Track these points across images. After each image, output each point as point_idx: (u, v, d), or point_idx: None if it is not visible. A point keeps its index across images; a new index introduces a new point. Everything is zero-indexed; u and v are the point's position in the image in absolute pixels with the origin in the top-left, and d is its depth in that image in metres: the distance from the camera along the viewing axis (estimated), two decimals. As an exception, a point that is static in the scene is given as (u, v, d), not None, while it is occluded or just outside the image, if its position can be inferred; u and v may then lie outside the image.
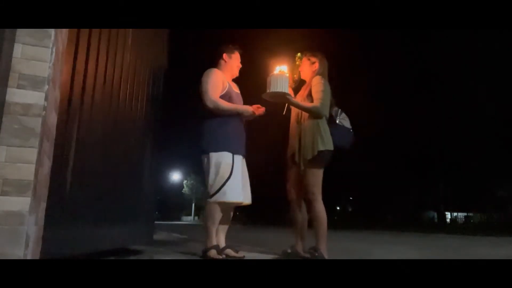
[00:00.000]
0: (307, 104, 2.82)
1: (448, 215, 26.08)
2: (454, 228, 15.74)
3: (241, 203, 2.71)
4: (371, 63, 24.92)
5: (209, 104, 2.69)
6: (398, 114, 23.69)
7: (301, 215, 2.91)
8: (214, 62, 2.97)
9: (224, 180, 2.58)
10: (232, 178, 2.61)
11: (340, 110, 2.97)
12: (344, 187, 27.54)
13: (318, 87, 2.81)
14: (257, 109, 2.86)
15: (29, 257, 1.36)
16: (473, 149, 20.18)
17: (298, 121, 2.90)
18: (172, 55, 4.18)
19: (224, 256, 2.67)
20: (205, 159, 2.70)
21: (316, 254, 2.63)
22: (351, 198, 31.44)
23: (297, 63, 3.01)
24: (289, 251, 2.85)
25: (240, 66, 3.02)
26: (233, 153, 2.69)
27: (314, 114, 2.79)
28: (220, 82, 2.80)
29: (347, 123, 2.96)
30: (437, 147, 21.67)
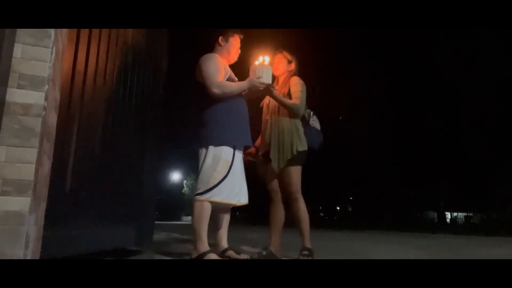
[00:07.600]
0: (288, 100, 2.79)
1: (448, 215, 26.08)
2: (454, 228, 15.78)
3: (235, 204, 2.48)
4: (373, 62, 24.92)
5: (215, 90, 2.42)
6: (398, 114, 23.70)
7: (281, 215, 2.88)
8: (210, 46, 2.73)
9: (221, 178, 2.37)
10: (230, 176, 2.40)
11: (312, 112, 3.01)
12: (344, 187, 27.53)
13: (298, 87, 2.84)
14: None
15: (29, 257, 1.36)
16: (473, 149, 20.17)
17: (273, 119, 2.86)
18: (172, 55, 4.18)
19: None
20: (203, 153, 2.44)
21: (311, 257, 2.66)
22: (351, 198, 31.44)
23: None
24: (264, 253, 2.75)
25: (239, 51, 2.78)
26: (235, 149, 2.46)
27: (293, 111, 2.79)
28: (222, 67, 2.56)
29: (317, 125, 3.00)
30: (437, 147, 21.67)
